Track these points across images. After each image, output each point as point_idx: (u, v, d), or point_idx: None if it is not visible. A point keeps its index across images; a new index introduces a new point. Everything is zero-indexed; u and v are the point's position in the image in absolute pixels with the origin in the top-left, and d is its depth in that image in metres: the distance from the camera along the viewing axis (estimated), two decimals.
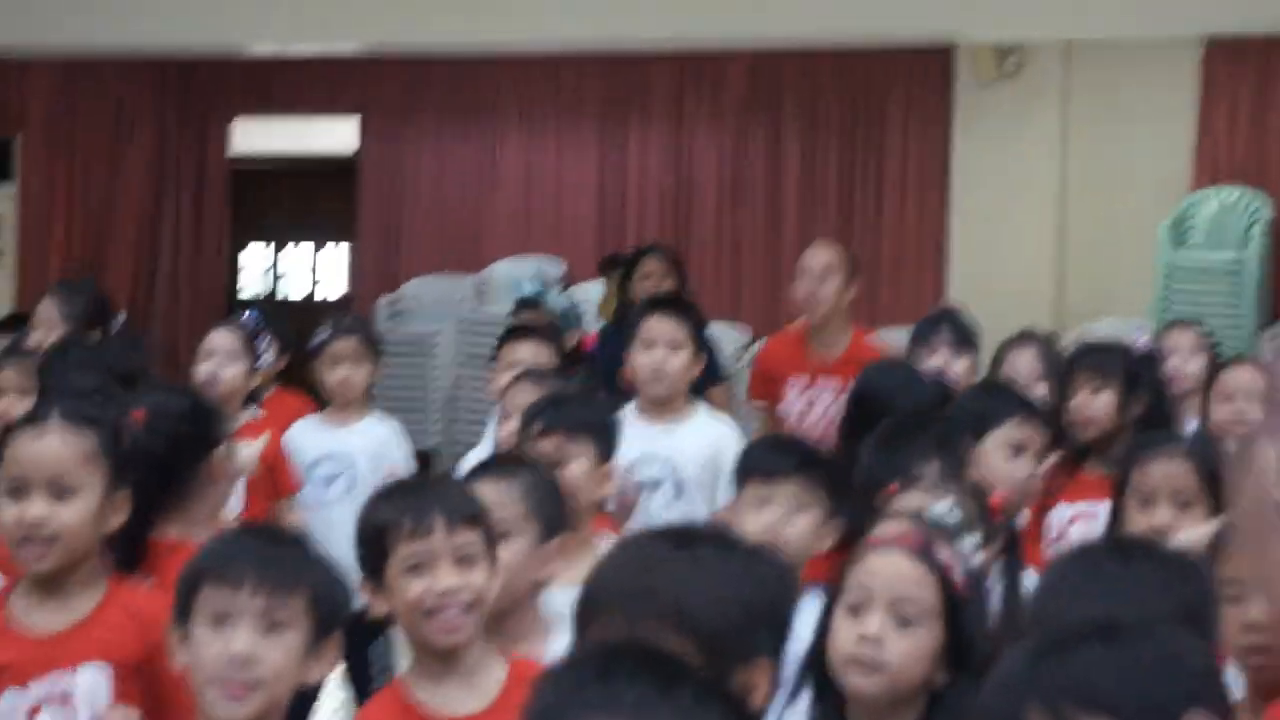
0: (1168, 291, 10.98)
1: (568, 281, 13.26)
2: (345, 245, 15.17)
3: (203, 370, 6.11)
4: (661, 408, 5.69)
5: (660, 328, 5.70)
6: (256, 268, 16.90)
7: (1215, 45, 11.46)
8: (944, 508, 3.42)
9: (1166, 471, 3.88)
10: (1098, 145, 11.73)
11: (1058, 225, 11.88)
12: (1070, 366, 5.38)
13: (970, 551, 3.32)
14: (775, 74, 12.76)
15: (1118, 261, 11.52)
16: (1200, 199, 11.40)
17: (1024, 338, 6.17)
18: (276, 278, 16.98)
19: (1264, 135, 11.40)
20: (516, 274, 13.23)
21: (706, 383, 6.52)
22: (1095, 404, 5.06)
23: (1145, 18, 10.90)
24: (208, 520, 4.00)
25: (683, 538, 2.46)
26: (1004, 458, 4.39)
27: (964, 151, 12.16)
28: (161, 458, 3.95)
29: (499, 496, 3.65)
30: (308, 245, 16.87)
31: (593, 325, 12.47)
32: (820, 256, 7.08)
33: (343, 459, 6.36)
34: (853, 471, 4.19)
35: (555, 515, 3.78)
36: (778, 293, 12.75)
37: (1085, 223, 11.77)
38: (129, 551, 3.83)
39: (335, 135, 14.34)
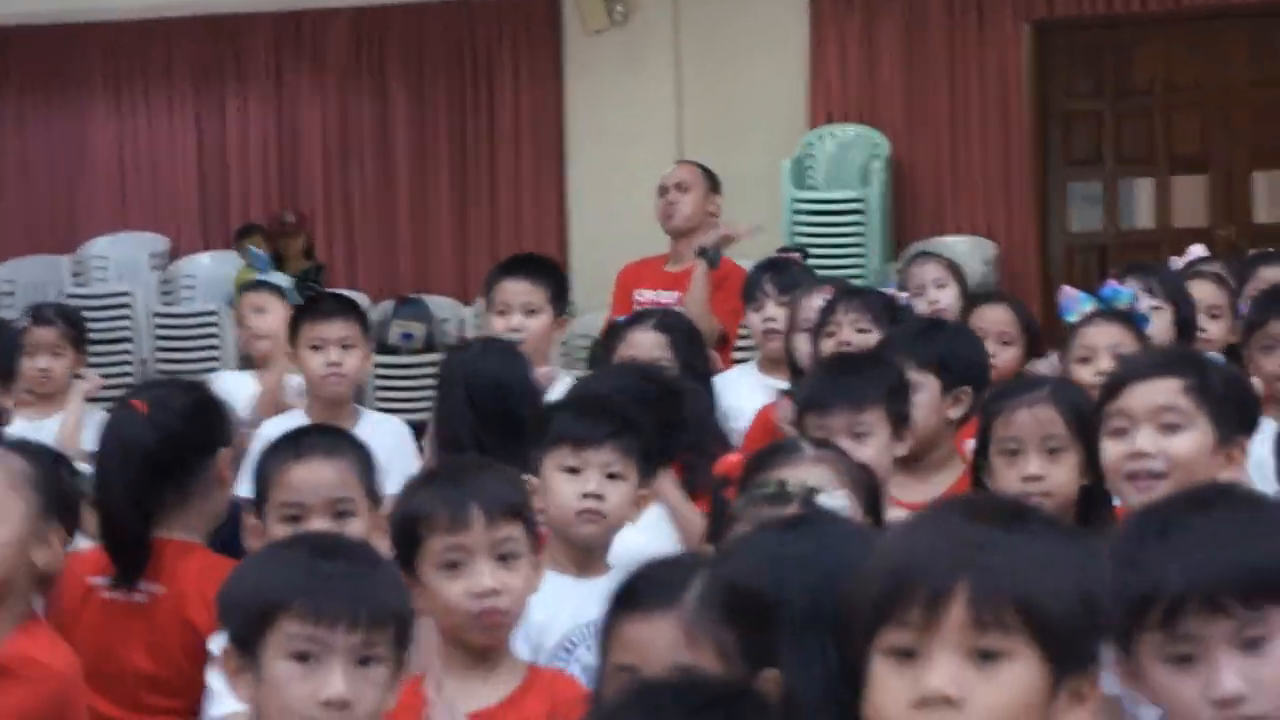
0: (794, 230, 11.06)
1: (172, 256, 12.77)
2: None
3: None
4: None
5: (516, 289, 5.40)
6: None
7: None
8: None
9: (1035, 417, 3.63)
10: (712, 89, 11.72)
11: None
12: None
13: None
14: (379, 29, 12.45)
15: (740, 203, 11.50)
16: (817, 137, 11.51)
17: None
18: None
19: (874, 72, 11.55)
20: (115, 252, 12.70)
21: None
22: None
23: None
24: (209, 524, 3.65)
25: (1009, 513, 2.11)
26: None
27: (578, 102, 12.05)
28: (162, 456, 3.55)
29: None
30: None
31: (226, 299, 12.00)
32: (676, 174, 7.19)
33: None
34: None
35: None
36: (393, 255, 12.49)
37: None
38: (131, 553, 3.52)
39: None
